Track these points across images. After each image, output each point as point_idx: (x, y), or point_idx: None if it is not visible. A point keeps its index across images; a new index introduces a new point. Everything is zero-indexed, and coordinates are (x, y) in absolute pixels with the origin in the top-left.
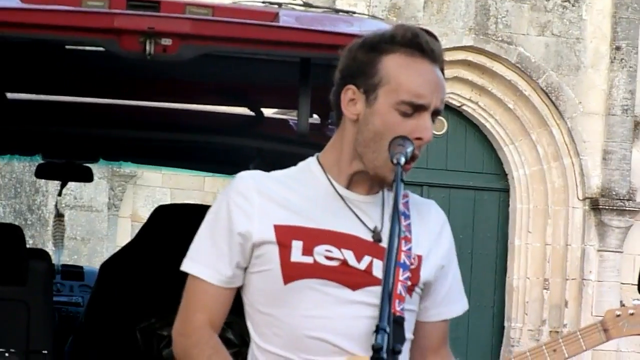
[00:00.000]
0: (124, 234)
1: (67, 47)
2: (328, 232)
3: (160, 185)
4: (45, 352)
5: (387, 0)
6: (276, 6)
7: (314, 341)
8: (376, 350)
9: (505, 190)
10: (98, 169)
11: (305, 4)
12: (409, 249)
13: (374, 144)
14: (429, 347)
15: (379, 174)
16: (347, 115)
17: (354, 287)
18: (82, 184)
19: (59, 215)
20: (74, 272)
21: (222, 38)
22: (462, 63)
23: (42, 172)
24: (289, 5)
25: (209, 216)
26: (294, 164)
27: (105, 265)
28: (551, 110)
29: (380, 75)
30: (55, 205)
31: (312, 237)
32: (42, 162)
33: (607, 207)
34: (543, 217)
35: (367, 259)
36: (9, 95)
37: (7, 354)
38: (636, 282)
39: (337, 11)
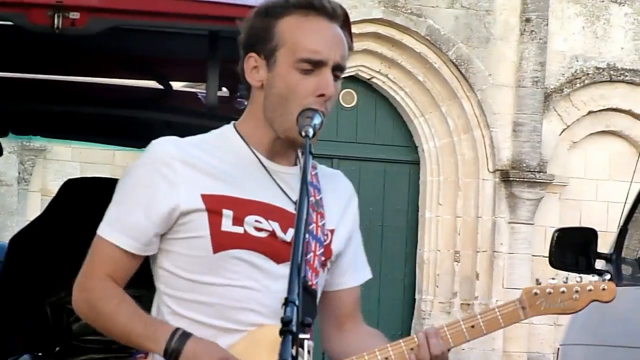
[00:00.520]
0: (34, 208)
1: None
2: (256, 203)
3: (70, 159)
4: None
5: None
6: None
7: (238, 311)
8: (285, 323)
9: (416, 163)
10: (8, 143)
11: None
12: (323, 225)
13: (281, 107)
14: (343, 315)
15: (289, 136)
16: (252, 83)
17: (278, 260)
18: None
19: None
20: None
21: (130, 11)
22: (372, 36)
23: None
24: None
25: (127, 183)
26: None
27: (14, 240)
28: (461, 82)
29: (276, 38)
30: None
31: (242, 207)
32: None
33: (517, 179)
34: (453, 190)
35: (291, 232)
36: None
37: None
38: (547, 255)
39: None
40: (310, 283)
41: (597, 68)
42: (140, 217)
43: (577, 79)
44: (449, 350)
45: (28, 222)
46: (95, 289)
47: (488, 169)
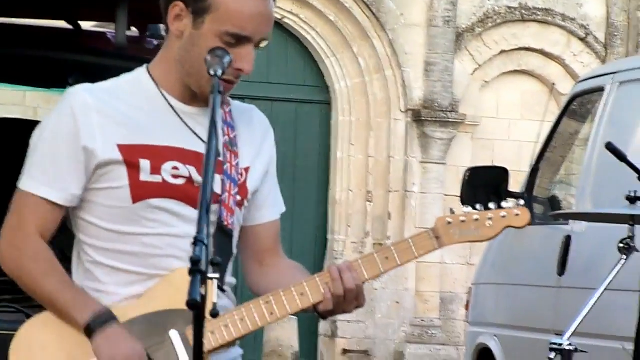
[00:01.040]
0: None
1: None
2: (171, 149)
3: None
4: None
5: None
6: None
7: (161, 258)
8: (194, 262)
9: (327, 103)
10: None
11: None
12: (237, 164)
13: (198, 65)
14: (263, 250)
15: (204, 93)
16: (172, 30)
17: (196, 205)
18: None
19: None
20: None
21: None
22: None
23: None
24: None
25: (46, 135)
26: (113, 77)
27: None
28: (372, 22)
29: (210, 1)
30: None
31: (158, 155)
32: None
33: (429, 119)
34: (365, 130)
35: None
36: None
37: None
38: (459, 194)
39: None
40: (225, 223)
41: (509, 7)
42: (63, 168)
43: (489, 18)
44: (364, 283)
45: None
46: (26, 247)
47: (400, 109)
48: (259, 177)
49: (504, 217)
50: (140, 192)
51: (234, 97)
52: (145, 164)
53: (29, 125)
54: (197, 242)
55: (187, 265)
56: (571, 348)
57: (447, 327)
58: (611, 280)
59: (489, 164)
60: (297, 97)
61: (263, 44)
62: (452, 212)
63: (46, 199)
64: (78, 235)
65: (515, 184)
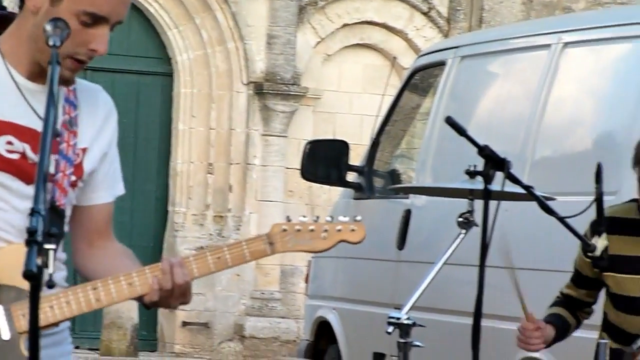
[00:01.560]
0: None
1: None
2: (8, 124)
3: None
4: None
5: None
6: None
7: None
8: (30, 233)
9: (169, 75)
10: None
11: None
12: (75, 144)
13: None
14: (94, 231)
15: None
16: (28, 5)
17: (28, 181)
18: None
19: None
20: None
21: None
22: None
23: None
24: None
25: None
26: None
27: None
28: None
29: None
30: None
31: None
32: None
33: (271, 92)
34: (207, 102)
35: None
36: None
37: None
38: (299, 167)
39: None
40: (57, 203)
41: None
42: None
43: None
44: (192, 279)
45: None
46: None
47: (242, 81)
48: (96, 158)
49: (339, 230)
50: None
51: None
52: None
53: None
54: (33, 213)
55: (14, 239)
56: (409, 322)
57: (287, 300)
58: (450, 255)
59: (330, 137)
60: (139, 69)
61: (116, 26)
62: (288, 219)
63: None
64: None
65: (357, 157)
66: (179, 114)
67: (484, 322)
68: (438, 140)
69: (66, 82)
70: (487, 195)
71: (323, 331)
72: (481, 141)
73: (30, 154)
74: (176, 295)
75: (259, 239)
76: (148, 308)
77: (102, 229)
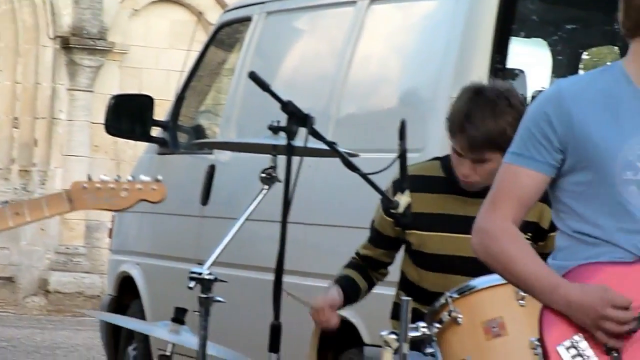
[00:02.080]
0: None
1: None
2: None
3: None
4: None
5: None
6: None
7: None
8: None
9: None
10: None
11: None
12: None
13: None
14: None
15: None
16: None
17: None
18: None
19: None
20: None
21: None
22: None
23: None
24: None
25: None
26: None
27: None
28: None
29: None
30: None
31: None
32: None
33: (78, 46)
34: (13, 56)
35: None
36: None
37: None
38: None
39: None
40: None
41: None
42: None
43: None
44: None
45: None
46: None
47: (48, 36)
48: None
49: (139, 189)
50: None
51: None
52: None
53: None
54: None
55: None
56: (211, 277)
57: (92, 255)
58: (252, 211)
59: (136, 92)
60: None
61: None
62: (89, 178)
63: None
64: None
65: (163, 113)
66: None
67: (286, 278)
68: (243, 96)
69: None
70: (290, 151)
71: (126, 286)
72: (285, 97)
73: None
74: None
75: (58, 195)
76: None
77: None
